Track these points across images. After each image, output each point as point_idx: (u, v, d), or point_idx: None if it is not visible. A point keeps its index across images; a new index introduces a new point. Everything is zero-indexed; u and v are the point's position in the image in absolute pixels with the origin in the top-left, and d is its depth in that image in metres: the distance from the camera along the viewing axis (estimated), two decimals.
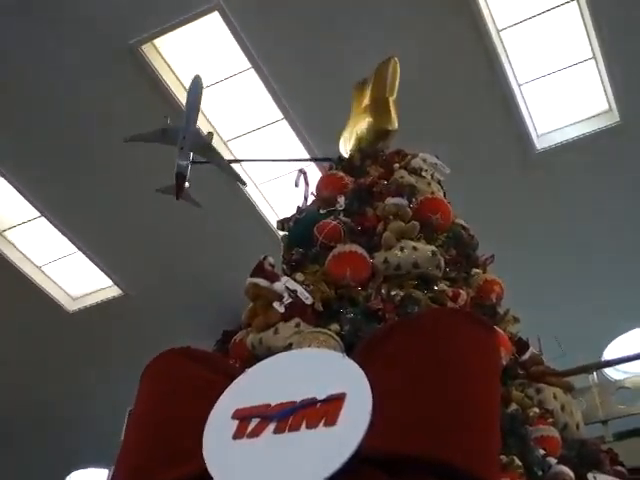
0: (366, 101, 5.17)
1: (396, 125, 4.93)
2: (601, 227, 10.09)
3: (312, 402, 2.29)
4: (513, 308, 3.94)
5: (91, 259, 11.03)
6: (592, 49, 8.76)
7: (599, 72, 8.94)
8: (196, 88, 5.90)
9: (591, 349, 11.02)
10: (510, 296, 4.03)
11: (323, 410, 2.24)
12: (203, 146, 5.72)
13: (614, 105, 9.17)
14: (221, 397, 2.45)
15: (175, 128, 5.68)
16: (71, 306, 11.82)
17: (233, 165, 6.19)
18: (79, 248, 10.90)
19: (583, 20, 8.49)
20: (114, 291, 11.46)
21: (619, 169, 9.59)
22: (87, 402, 12.21)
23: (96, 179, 9.85)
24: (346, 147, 5.04)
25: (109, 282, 11.39)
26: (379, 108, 5.03)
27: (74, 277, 11.60)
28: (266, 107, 9.33)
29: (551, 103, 9.45)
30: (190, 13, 8.29)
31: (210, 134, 5.90)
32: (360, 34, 8.31)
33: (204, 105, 9.42)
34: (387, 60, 5.27)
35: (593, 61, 8.88)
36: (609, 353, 11.78)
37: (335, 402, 2.25)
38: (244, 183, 5.92)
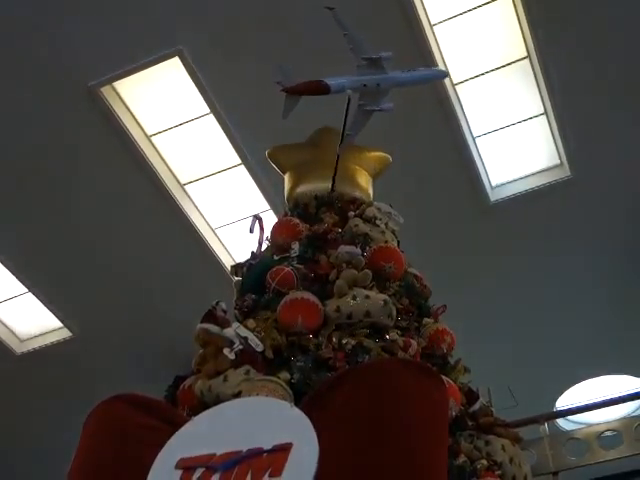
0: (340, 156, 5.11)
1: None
2: (553, 277, 10.28)
3: (258, 452, 2.27)
4: (464, 357, 3.96)
5: (41, 300, 10.81)
6: (544, 106, 9.03)
7: (550, 127, 9.20)
8: (437, 75, 5.14)
9: (544, 399, 11.13)
10: (461, 345, 4.06)
11: (269, 461, 2.22)
12: (373, 105, 4.71)
13: (565, 160, 9.43)
14: (165, 445, 2.40)
15: (389, 73, 4.66)
16: (19, 348, 11.53)
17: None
18: (29, 289, 10.69)
19: (536, 78, 8.76)
20: (63, 333, 11.22)
21: (569, 222, 9.83)
22: (36, 448, 11.84)
23: (50, 221, 9.72)
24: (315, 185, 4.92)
25: (59, 324, 11.16)
26: (362, 181, 4.99)
27: (23, 318, 11.35)
28: (224, 152, 9.36)
29: (505, 156, 9.68)
30: (151, 57, 8.32)
31: (390, 106, 4.80)
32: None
33: (164, 148, 9.50)
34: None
35: (545, 117, 9.14)
36: (561, 404, 11.89)
37: (281, 452, 2.23)
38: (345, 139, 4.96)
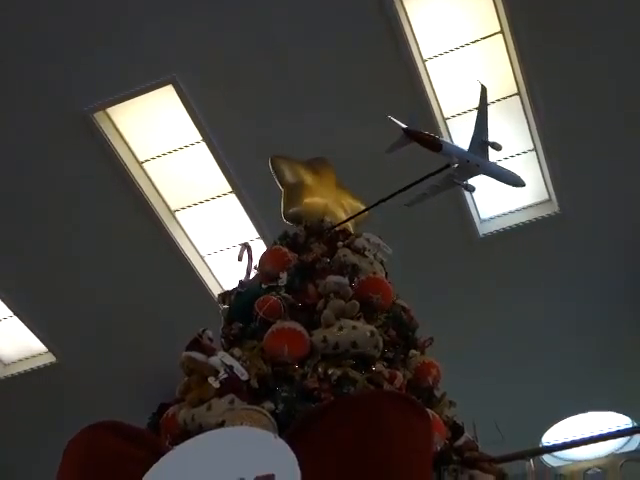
0: (335, 193, 5.23)
1: None
2: (539, 312, 10.28)
3: None
4: (450, 391, 3.94)
5: (27, 324, 10.72)
6: (533, 142, 9.12)
7: (539, 163, 9.29)
8: (517, 181, 5.36)
9: (530, 435, 11.08)
10: (447, 379, 4.04)
11: None
12: (460, 179, 4.99)
13: (553, 196, 9.50)
14: (146, 475, 2.38)
15: (488, 161, 4.99)
16: (2, 372, 11.41)
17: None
18: (15, 312, 10.61)
19: (525, 115, 8.86)
20: (48, 358, 11.11)
21: (555, 257, 9.87)
22: (17, 471, 11.67)
23: (37, 246, 9.68)
24: (325, 214, 4.97)
25: (43, 348, 11.05)
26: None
27: (8, 342, 11.24)
28: (215, 180, 9.39)
29: (494, 190, 9.73)
30: (144, 84, 8.37)
31: (474, 188, 5.17)
32: (312, 116, 8.52)
33: (155, 175, 9.51)
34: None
35: (534, 153, 9.23)
36: (547, 439, 11.84)
37: None
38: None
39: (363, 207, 5.30)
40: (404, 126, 4.96)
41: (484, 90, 5.06)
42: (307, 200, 5.00)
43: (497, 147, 4.98)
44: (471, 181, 5.21)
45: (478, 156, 4.91)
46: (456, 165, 4.82)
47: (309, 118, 8.54)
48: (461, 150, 4.89)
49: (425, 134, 4.92)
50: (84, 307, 10.29)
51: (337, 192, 5.27)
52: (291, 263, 4.26)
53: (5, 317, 10.84)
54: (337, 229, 4.71)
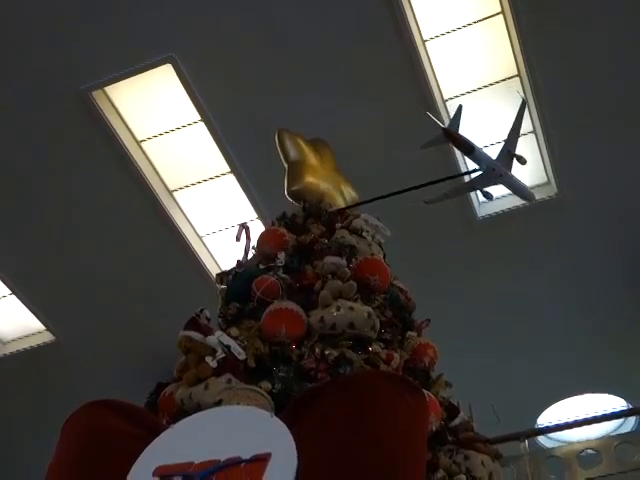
0: (335, 177, 5.25)
1: None
2: (536, 294, 10.30)
3: (236, 462, 2.26)
4: (447, 373, 3.96)
5: (25, 303, 10.73)
6: (533, 124, 9.09)
7: (539, 146, 9.26)
8: (529, 195, 5.66)
9: (525, 416, 11.15)
10: (444, 360, 4.06)
11: (247, 471, 2.21)
12: (480, 185, 5.20)
13: (552, 178, 9.49)
14: (143, 452, 2.39)
15: (511, 171, 5.15)
16: (0, 350, 11.44)
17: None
18: (13, 291, 10.62)
19: (525, 97, 8.81)
20: (46, 337, 11.14)
21: (554, 239, 9.88)
22: (15, 450, 11.74)
23: (34, 223, 9.67)
24: (327, 197, 4.98)
25: (41, 327, 11.08)
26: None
27: (6, 321, 11.26)
28: (214, 160, 9.37)
29: None
30: (143, 63, 8.33)
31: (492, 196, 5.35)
32: (312, 96, 8.49)
33: (153, 154, 9.48)
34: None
35: (533, 135, 9.20)
36: (542, 421, 11.92)
37: (259, 462, 2.22)
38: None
39: (360, 199, 5.30)
40: (443, 126, 5.05)
41: (523, 104, 5.19)
42: (309, 179, 4.99)
43: (522, 161, 5.12)
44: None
45: (503, 167, 5.05)
46: (481, 172, 4.96)
47: (309, 99, 8.50)
48: (490, 159, 5.02)
49: (462, 136, 5.07)
50: (82, 286, 10.30)
51: (337, 177, 5.26)
52: (289, 244, 4.26)
53: (3, 295, 10.85)
54: (334, 211, 4.71)
